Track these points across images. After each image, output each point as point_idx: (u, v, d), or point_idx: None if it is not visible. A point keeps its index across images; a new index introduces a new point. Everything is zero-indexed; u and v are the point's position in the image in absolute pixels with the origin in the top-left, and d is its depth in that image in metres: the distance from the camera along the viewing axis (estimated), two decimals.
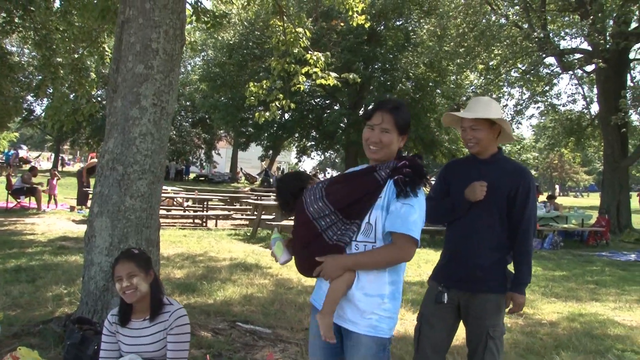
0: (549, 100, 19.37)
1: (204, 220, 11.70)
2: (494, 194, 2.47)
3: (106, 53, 8.21)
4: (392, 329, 1.91)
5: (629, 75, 16.36)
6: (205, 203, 12.60)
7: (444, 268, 2.62)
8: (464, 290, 2.51)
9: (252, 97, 6.94)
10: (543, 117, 23.86)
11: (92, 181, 11.85)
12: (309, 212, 1.93)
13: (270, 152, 31.59)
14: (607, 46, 13.86)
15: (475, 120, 2.49)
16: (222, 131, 39.08)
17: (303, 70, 6.71)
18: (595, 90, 18.03)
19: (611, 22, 14.36)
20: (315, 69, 6.55)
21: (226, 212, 13.23)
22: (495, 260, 2.49)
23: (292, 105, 6.99)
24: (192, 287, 5.33)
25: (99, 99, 26.22)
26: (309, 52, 6.58)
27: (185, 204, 13.62)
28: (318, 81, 6.65)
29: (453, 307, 2.54)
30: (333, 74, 6.63)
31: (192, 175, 35.62)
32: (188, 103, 34.59)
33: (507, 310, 2.52)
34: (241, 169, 36.98)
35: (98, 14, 6.25)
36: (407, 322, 4.47)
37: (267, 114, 7.06)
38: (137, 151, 3.46)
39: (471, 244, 2.50)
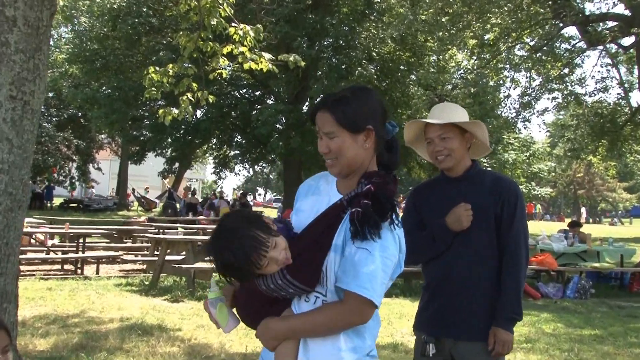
0: (570, 87, 19.65)
1: (79, 265, 11.45)
2: (478, 218, 2.79)
3: None
4: None
5: None
6: (80, 241, 12.34)
7: (424, 312, 2.91)
8: (453, 338, 2.79)
9: (152, 88, 7.00)
10: (561, 112, 24.54)
11: None
12: (259, 286, 2.01)
13: (177, 165, 31.29)
14: None
15: (444, 127, 2.83)
16: (103, 136, 38.34)
17: (224, 51, 6.87)
18: (635, 73, 18.63)
19: None
20: (241, 48, 6.72)
21: (112, 253, 13.00)
22: (488, 297, 2.78)
23: (211, 99, 7.11)
24: None
25: None
26: (233, 24, 6.76)
27: (50, 242, 13.25)
28: (246, 65, 6.82)
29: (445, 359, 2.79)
30: (267, 55, 6.84)
31: (57, 201, 34.57)
32: (51, 94, 33.74)
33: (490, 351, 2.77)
34: (133, 190, 36.29)
35: None
36: None
37: (176, 111, 7.16)
38: None
39: (456, 280, 2.79)
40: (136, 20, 23.90)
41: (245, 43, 6.74)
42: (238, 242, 1.91)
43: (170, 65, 7.27)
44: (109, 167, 45.88)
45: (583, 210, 54.82)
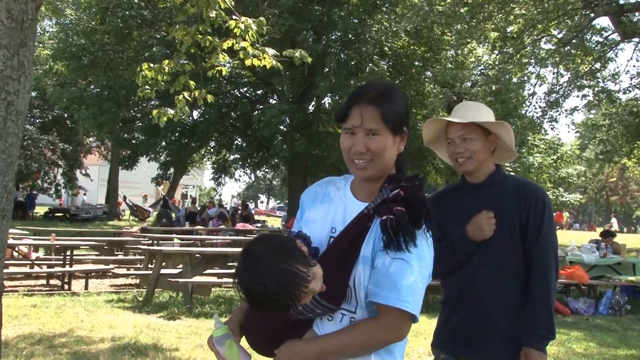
0: (602, 84, 19.52)
1: (66, 280, 11.49)
2: (502, 226, 2.80)
3: None
4: None
5: None
6: (67, 253, 12.37)
7: (443, 329, 2.93)
8: (474, 357, 2.80)
9: (146, 86, 7.04)
10: (592, 112, 24.39)
11: None
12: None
13: (172, 170, 31.39)
14: None
15: (467, 127, 2.84)
16: (92, 139, 38.49)
17: (225, 46, 6.90)
18: None
19: None
20: (243, 43, 6.76)
21: (102, 267, 13.04)
22: (512, 313, 2.79)
23: (210, 98, 7.15)
24: None
25: None
26: (234, 17, 6.79)
27: (34, 255, 13.30)
28: (248, 62, 6.86)
29: None
30: (270, 51, 6.87)
31: (41, 210, 34.69)
32: (35, 94, 33.90)
33: None
34: (124, 197, 36.39)
35: None
36: None
37: (172, 111, 7.18)
38: None
39: (478, 292, 2.80)
40: (127, 12, 24.03)
41: (247, 37, 6.77)
42: (276, 277, 1.84)
43: (166, 62, 7.30)
44: (97, 173, 45.99)
45: (613, 220, 54.23)
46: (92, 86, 26.65)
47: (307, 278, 1.85)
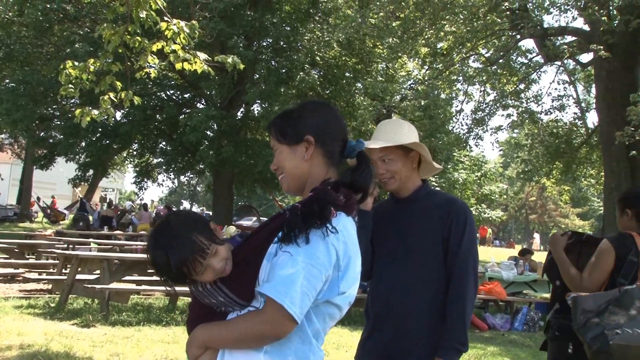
0: (525, 105, 20.24)
1: None
2: (425, 241, 2.94)
3: None
4: None
5: None
6: None
7: (367, 342, 3.03)
8: None
9: (70, 85, 6.92)
10: (515, 131, 25.12)
11: None
12: (193, 289, 2.14)
13: (91, 172, 30.63)
14: (613, 25, 13.69)
15: (385, 149, 2.97)
16: (4, 135, 37.12)
17: (154, 48, 6.86)
18: (593, 92, 19.02)
19: None
20: (174, 46, 6.73)
21: (11, 270, 12.65)
22: (433, 325, 2.89)
23: (137, 100, 7.08)
24: None
25: None
26: (165, 18, 6.77)
27: None
28: (178, 65, 6.84)
29: None
30: (202, 56, 6.87)
31: None
32: None
33: None
34: (38, 198, 35.31)
35: None
36: None
37: (96, 112, 7.07)
38: None
39: (398, 306, 2.91)
40: (48, 5, 23.31)
41: (178, 40, 6.75)
42: (177, 243, 1.99)
43: (91, 61, 7.17)
44: (9, 171, 44.38)
45: (536, 236, 56.22)
46: (7, 80, 25.75)
47: (205, 250, 1.99)
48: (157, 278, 2.14)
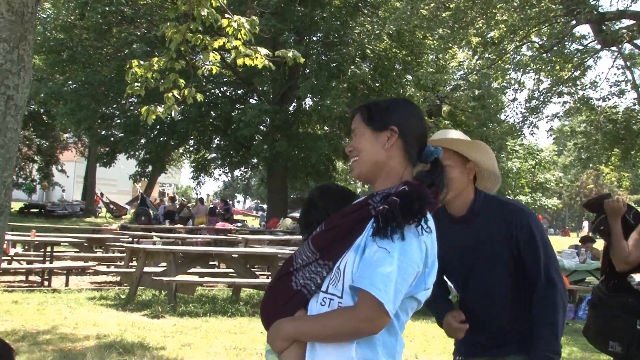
0: (581, 92, 19.71)
1: (46, 276, 11.38)
2: (492, 264, 2.81)
3: None
4: None
5: None
6: (47, 249, 12.26)
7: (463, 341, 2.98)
8: (485, 357, 2.86)
9: (136, 84, 6.99)
10: (569, 118, 24.59)
11: None
12: (295, 262, 2.15)
13: (150, 168, 31.14)
14: None
15: (444, 152, 2.79)
16: (68, 135, 38.06)
17: (216, 44, 6.87)
18: None
19: None
20: (235, 42, 6.73)
21: (82, 264, 12.95)
22: (517, 312, 2.82)
23: (199, 97, 7.12)
24: None
25: None
26: (227, 16, 6.77)
27: (12, 251, 13.13)
28: (240, 61, 6.84)
29: None
30: (263, 51, 6.85)
31: (15, 205, 34.21)
32: None
33: None
34: (101, 194, 36.06)
35: None
36: None
37: (161, 109, 7.14)
38: None
39: (477, 320, 2.85)
40: (106, 8, 23.71)
41: (239, 36, 6.75)
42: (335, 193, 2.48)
43: (155, 59, 7.26)
44: (74, 169, 45.50)
45: (585, 224, 54.82)
46: (71, 82, 26.32)
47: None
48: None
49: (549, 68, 18.33)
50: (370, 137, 2.14)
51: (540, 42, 18.64)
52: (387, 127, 2.13)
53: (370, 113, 2.17)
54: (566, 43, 18.11)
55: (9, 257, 12.60)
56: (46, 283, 11.23)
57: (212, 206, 30.46)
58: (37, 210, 32.12)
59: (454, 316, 2.81)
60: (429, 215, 2.02)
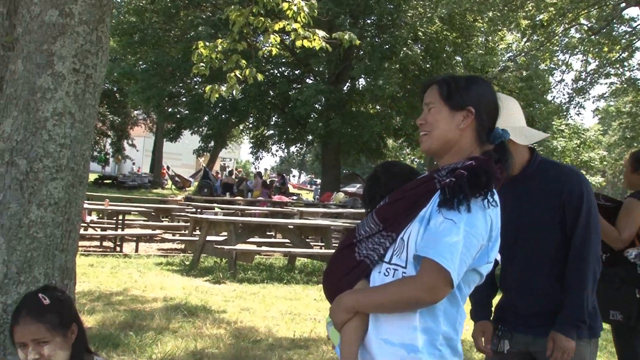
0: (628, 73, 19.20)
1: (118, 242, 11.67)
2: (541, 226, 2.68)
3: None
4: None
5: None
6: (119, 218, 12.55)
7: (500, 302, 2.86)
8: (529, 334, 2.70)
9: (201, 64, 7.02)
10: (614, 99, 23.88)
11: None
12: (357, 234, 2.11)
13: (212, 144, 31.56)
14: None
15: None
16: (138, 112, 38.80)
17: (277, 27, 6.83)
18: None
19: None
20: (294, 25, 6.68)
21: (150, 232, 13.22)
22: (552, 296, 2.69)
23: (260, 77, 7.11)
24: (112, 340, 5.35)
25: None
26: None
27: (88, 218, 13.50)
28: (299, 42, 6.79)
29: (522, 358, 2.74)
30: (321, 33, 6.79)
31: (91, 176, 35.15)
32: None
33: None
34: (167, 167, 36.69)
35: None
36: None
37: (224, 88, 7.16)
38: (49, 138, 3.49)
39: (514, 282, 2.77)
40: None
41: (299, 20, 6.69)
42: (402, 169, 2.34)
43: (219, 41, 7.27)
44: (142, 143, 46.39)
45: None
46: (141, 62, 26.76)
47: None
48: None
49: (596, 50, 17.77)
50: (447, 116, 2.05)
51: (589, 25, 18.04)
52: (464, 107, 2.05)
53: (450, 90, 2.06)
54: (615, 25, 17.50)
55: (85, 224, 12.96)
56: (118, 249, 11.51)
57: (267, 180, 30.71)
58: (110, 181, 32.86)
59: (485, 338, 2.76)
60: (494, 190, 1.95)
